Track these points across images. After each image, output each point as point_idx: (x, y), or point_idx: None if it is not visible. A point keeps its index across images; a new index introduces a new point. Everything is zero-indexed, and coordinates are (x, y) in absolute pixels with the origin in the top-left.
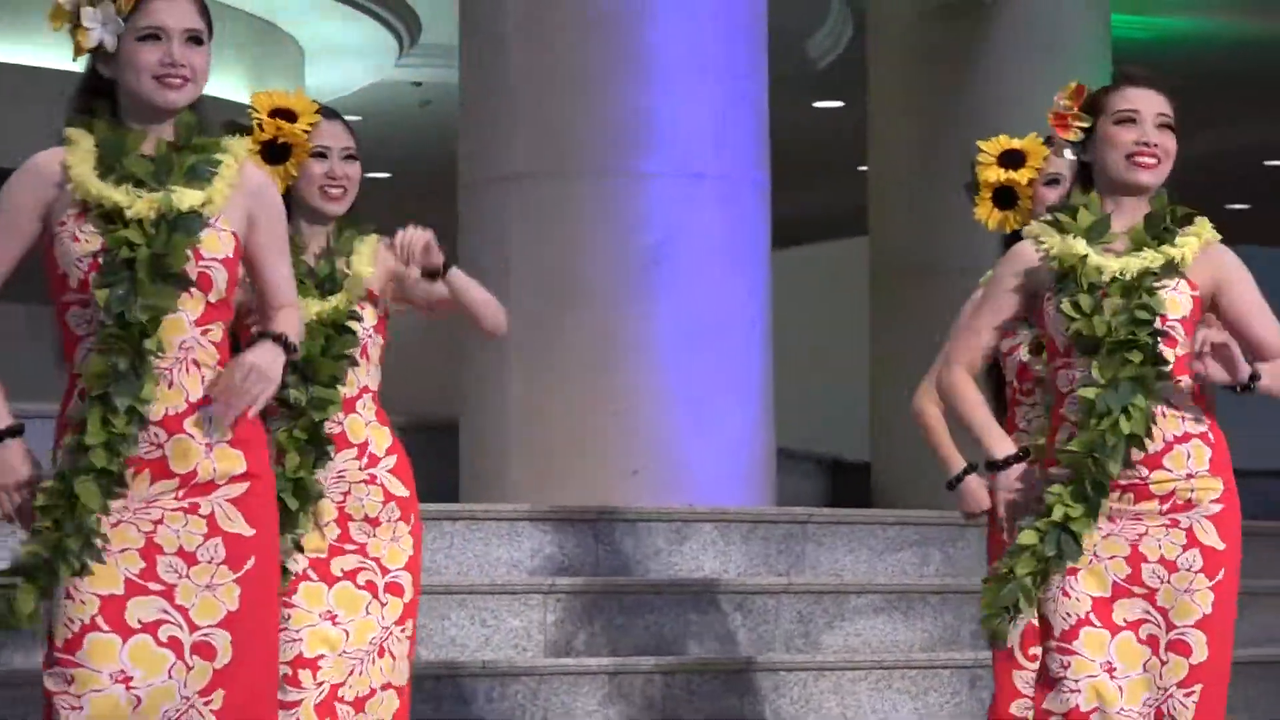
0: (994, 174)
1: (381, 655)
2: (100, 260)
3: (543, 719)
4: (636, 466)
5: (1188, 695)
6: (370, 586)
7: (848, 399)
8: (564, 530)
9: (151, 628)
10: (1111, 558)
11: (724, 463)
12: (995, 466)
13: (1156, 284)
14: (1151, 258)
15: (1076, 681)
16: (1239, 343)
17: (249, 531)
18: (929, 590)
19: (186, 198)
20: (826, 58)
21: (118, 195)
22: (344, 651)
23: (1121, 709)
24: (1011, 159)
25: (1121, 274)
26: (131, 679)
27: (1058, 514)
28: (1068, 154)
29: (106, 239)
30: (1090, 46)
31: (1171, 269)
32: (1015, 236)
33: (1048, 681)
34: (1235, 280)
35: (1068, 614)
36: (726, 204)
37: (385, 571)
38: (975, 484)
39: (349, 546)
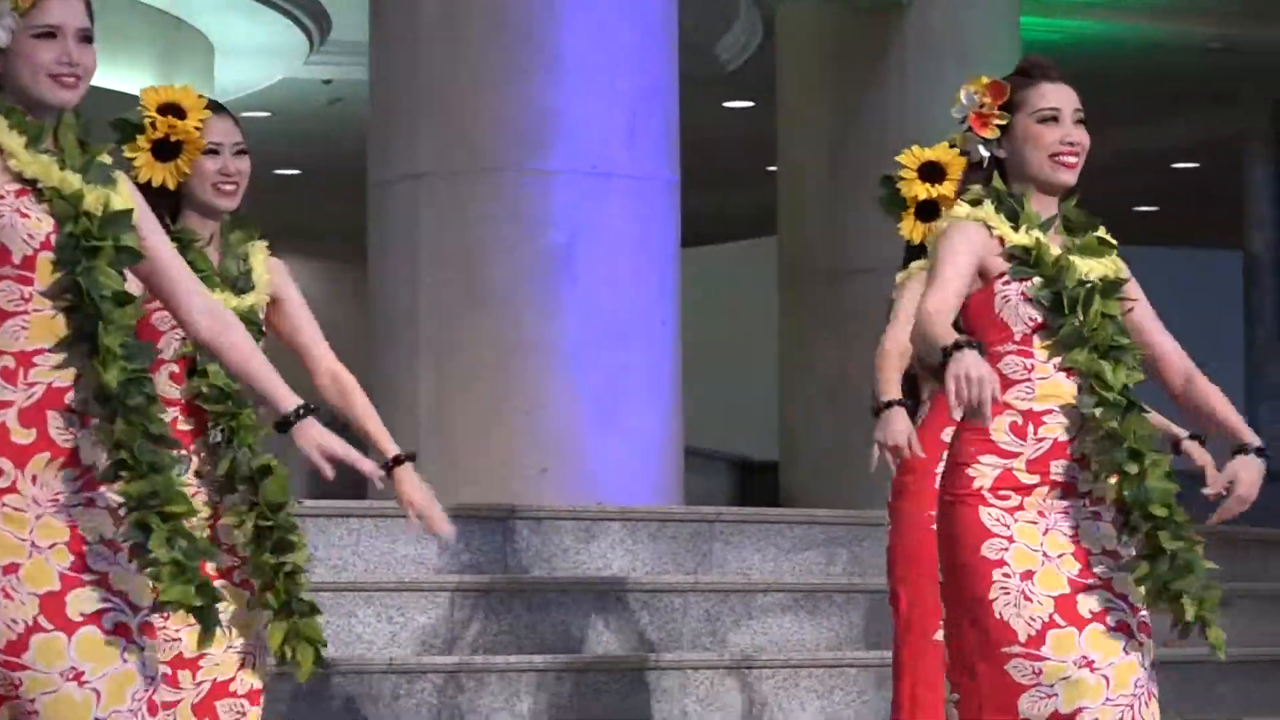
0: (920, 190)
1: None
2: (54, 240)
3: (449, 717)
4: (545, 465)
5: (1157, 673)
6: (246, 584)
7: (756, 399)
8: (472, 528)
9: (94, 619)
10: (1060, 555)
11: (632, 462)
12: (957, 347)
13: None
14: (1110, 265)
15: (1051, 686)
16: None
17: None
18: (835, 589)
19: (119, 196)
20: (737, 58)
21: (73, 180)
22: (230, 646)
23: (1109, 698)
24: (932, 172)
25: (1092, 276)
26: (83, 673)
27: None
28: (981, 150)
29: (63, 222)
30: (1000, 49)
31: (1122, 279)
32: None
33: (1007, 686)
34: (1138, 294)
35: (1032, 618)
36: (636, 203)
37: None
38: (899, 417)
39: (225, 543)
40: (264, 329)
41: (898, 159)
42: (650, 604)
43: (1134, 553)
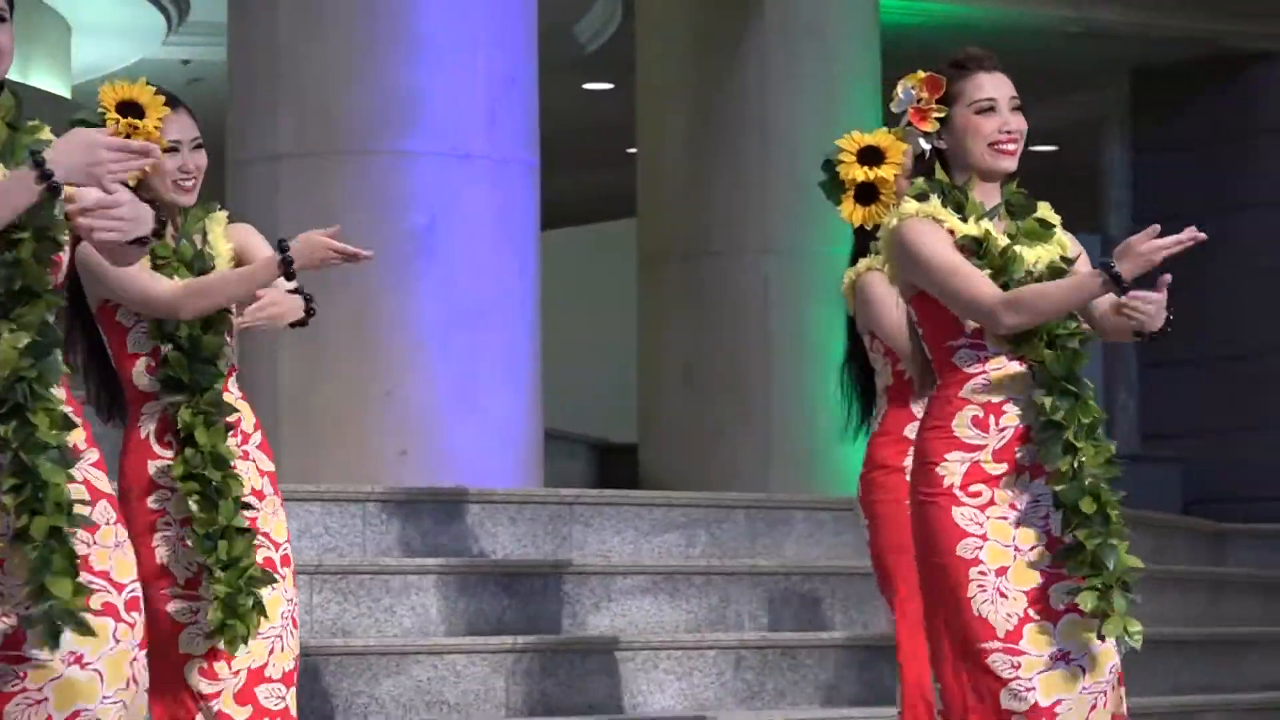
0: (859, 173)
1: (296, 626)
2: None
3: (308, 700)
4: (404, 448)
5: (1115, 664)
6: (269, 563)
7: (616, 381)
8: (332, 511)
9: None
10: (1032, 548)
11: (492, 444)
12: (1110, 272)
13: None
14: (1054, 249)
15: (1030, 679)
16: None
17: (113, 490)
18: (695, 571)
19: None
20: (597, 40)
21: None
22: (260, 634)
23: (1085, 687)
24: (871, 156)
25: (1039, 264)
26: (82, 656)
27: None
28: (922, 143)
29: None
30: (859, 31)
31: (1067, 261)
32: (873, 231)
33: (989, 682)
34: (1082, 257)
35: (1009, 614)
36: (496, 184)
37: (276, 545)
38: None
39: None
40: (232, 308)
41: (837, 143)
42: (510, 586)
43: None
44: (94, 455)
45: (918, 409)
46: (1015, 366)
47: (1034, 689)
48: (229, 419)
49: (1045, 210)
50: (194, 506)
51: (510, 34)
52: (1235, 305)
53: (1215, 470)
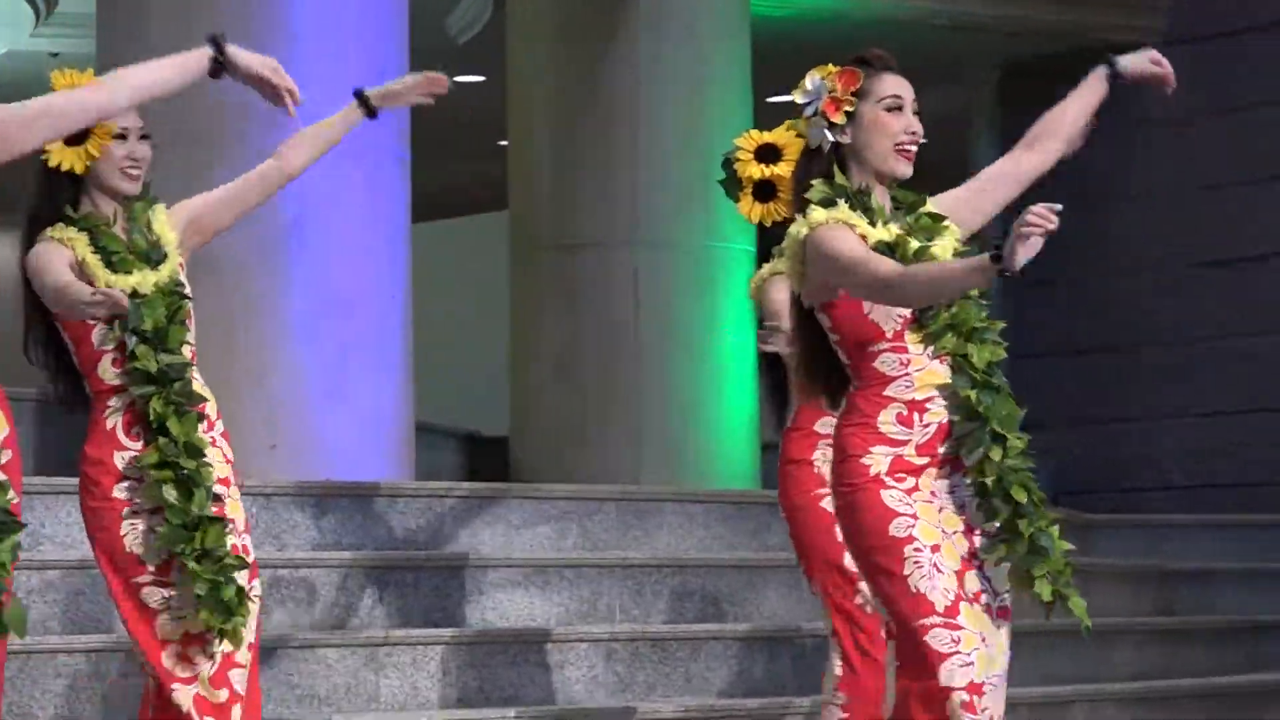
0: (755, 170)
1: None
2: None
3: None
4: (274, 440)
5: (1007, 659)
6: (238, 550)
7: (487, 373)
8: None
9: None
10: (954, 533)
11: (363, 436)
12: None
13: None
14: (951, 242)
15: (969, 654)
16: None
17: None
18: (566, 564)
19: None
20: (467, 33)
21: None
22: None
23: (988, 676)
24: (769, 153)
25: (948, 257)
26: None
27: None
28: (827, 134)
29: None
30: (729, 23)
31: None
32: (779, 227)
33: (929, 657)
34: (960, 196)
35: (946, 589)
36: (367, 177)
37: (239, 534)
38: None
39: None
40: (188, 294)
41: (736, 141)
42: (381, 580)
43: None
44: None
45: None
46: (937, 366)
47: (973, 664)
48: (199, 407)
49: (930, 205)
50: (170, 495)
51: (381, 27)
52: (1105, 297)
53: (1085, 461)
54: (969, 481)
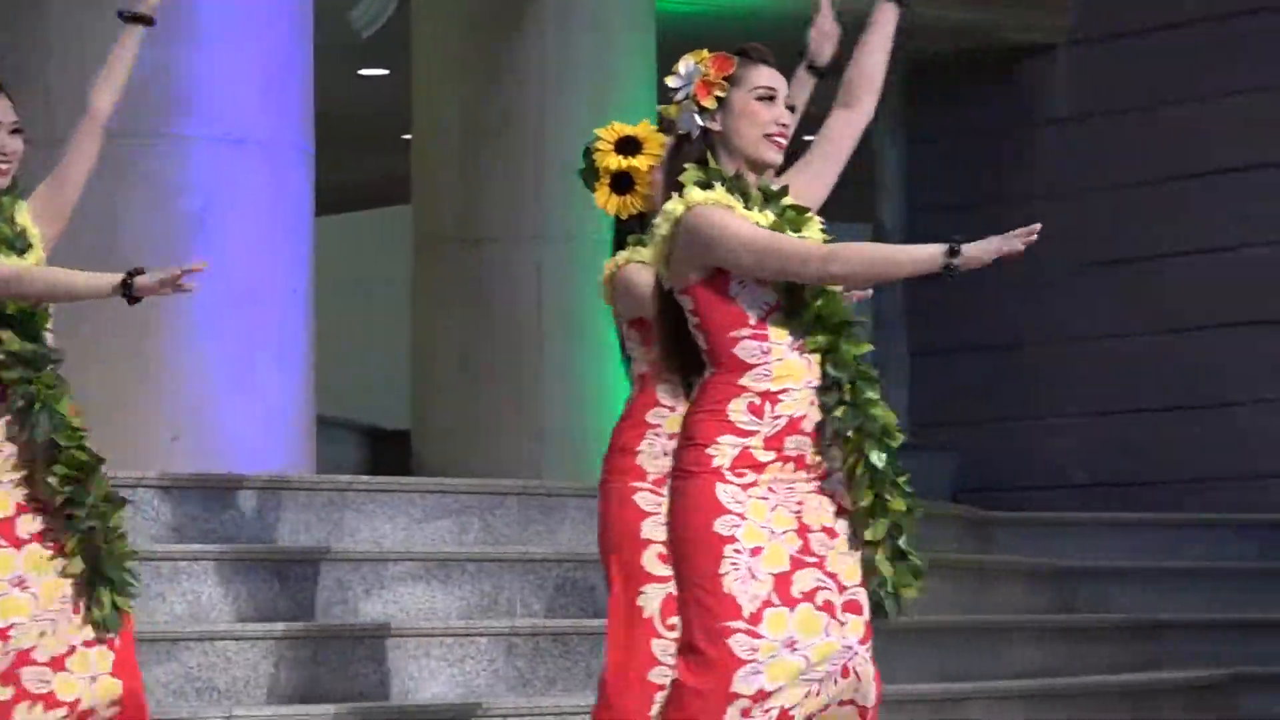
0: (613, 161)
1: (76, 612)
2: None
3: None
4: (176, 433)
5: (867, 651)
6: (56, 545)
7: (389, 367)
8: None
9: None
10: (784, 532)
11: (265, 429)
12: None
13: None
14: (817, 233)
15: (762, 664)
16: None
17: None
18: (467, 558)
19: None
20: (371, 26)
21: None
22: (35, 616)
23: (805, 675)
24: (628, 146)
25: None
26: None
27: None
28: (697, 119)
29: None
30: (635, 17)
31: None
32: (635, 220)
33: (726, 660)
34: (804, 178)
35: (755, 595)
36: (270, 170)
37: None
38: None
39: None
40: None
41: (596, 132)
42: (281, 572)
43: (850, 530)
44: None
45: (663, 395)
46: (796, 358)
47: (762, 673)
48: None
49: (792, 199)
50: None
51: (285, 19)
52: (1006, 295)
53: (985, 459)
54: (830, 477)
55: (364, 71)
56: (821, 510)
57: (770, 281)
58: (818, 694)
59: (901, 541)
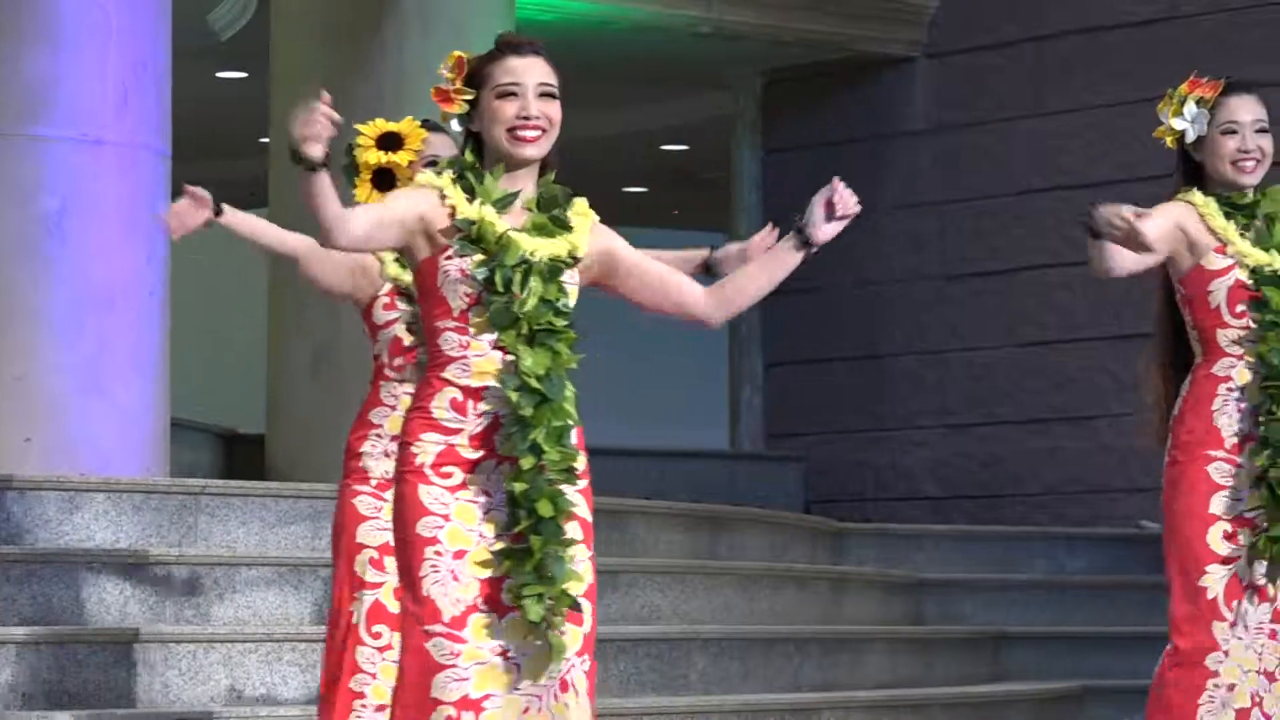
0: (373, 156)
1: None
2: None
3: None
4: (29, 435)
5: (583, 664)
6: None
7: (245, 371)
8: None
9: None
10: (497, 537)
11: (118, 432)
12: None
13: (562, 275)
14: (561, 245)
15: (466, 669)
16: (652, 292)
17: None
18: (321, 563)
19: None
20: (231, 29)
21: None
22: None
23: (519, 687)
24: (390, 141)
25: (536, 256)
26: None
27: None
28: (455, 126)
29: None
30: (494, 24)
31: (573, 259)
32: None
33: (427, 664)
34: (620, 244)
35: (458, 600)
36: (127, 172)
37: None
38: None
39: None
40: None
41: (358, 126)
42: (134, 576)
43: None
44: None
45: (385, 394)
46: (498, 356)
47: (468, 679)
48: None
49: (580, 208)
50: None
51: (144, 21)
52: (861, 306)
53: (838, 470)
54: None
55: (222, 74)
56: None
57: (470, 274)
58: (540, 711)
59: (529, 586)
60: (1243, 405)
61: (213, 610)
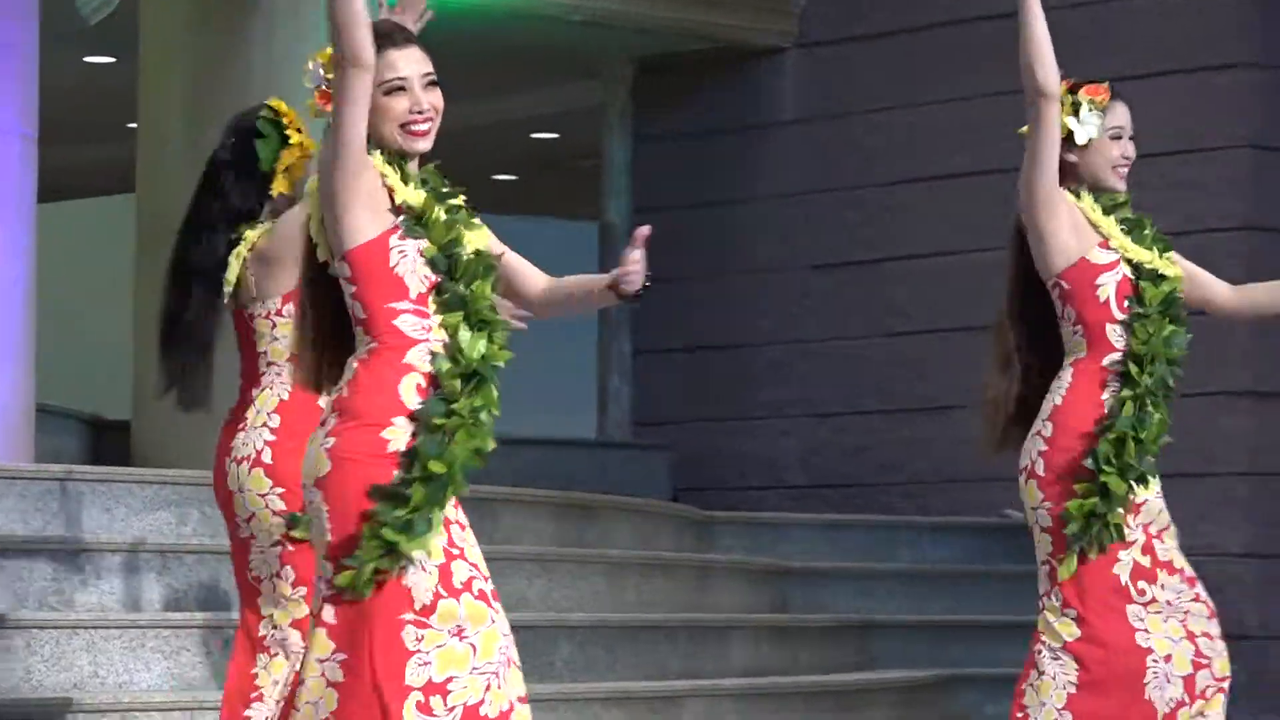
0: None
1: None
2: None
3: None
4: None
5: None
6: None
7: (110, 357)
8: None
9: None
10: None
11: None
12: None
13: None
14: (481, 237)
15: (428, 653)
16: (511, 278)
17: None
18: (186, 550)
19: None
20: (99, 13)
21: None
22: None
23: (475, 667)
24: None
25: (474, 248)
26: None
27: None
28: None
29: None
30: (368, 11)
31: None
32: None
33: (398, 654)
34: (491, 236)
35: (428, 587)
36: None
37: None
38: None
39: None
40: None
41: (270, 103)
42: None
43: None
44: None
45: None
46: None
47: (430, 664)
48: None
49: (461, 200)
50: None
51: (10, 4)
52: (729, 296)
53: (706, 458)
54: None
55: (90, 59)
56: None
57: (431, 259)
58: (500, 686)
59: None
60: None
61: (76, 597)
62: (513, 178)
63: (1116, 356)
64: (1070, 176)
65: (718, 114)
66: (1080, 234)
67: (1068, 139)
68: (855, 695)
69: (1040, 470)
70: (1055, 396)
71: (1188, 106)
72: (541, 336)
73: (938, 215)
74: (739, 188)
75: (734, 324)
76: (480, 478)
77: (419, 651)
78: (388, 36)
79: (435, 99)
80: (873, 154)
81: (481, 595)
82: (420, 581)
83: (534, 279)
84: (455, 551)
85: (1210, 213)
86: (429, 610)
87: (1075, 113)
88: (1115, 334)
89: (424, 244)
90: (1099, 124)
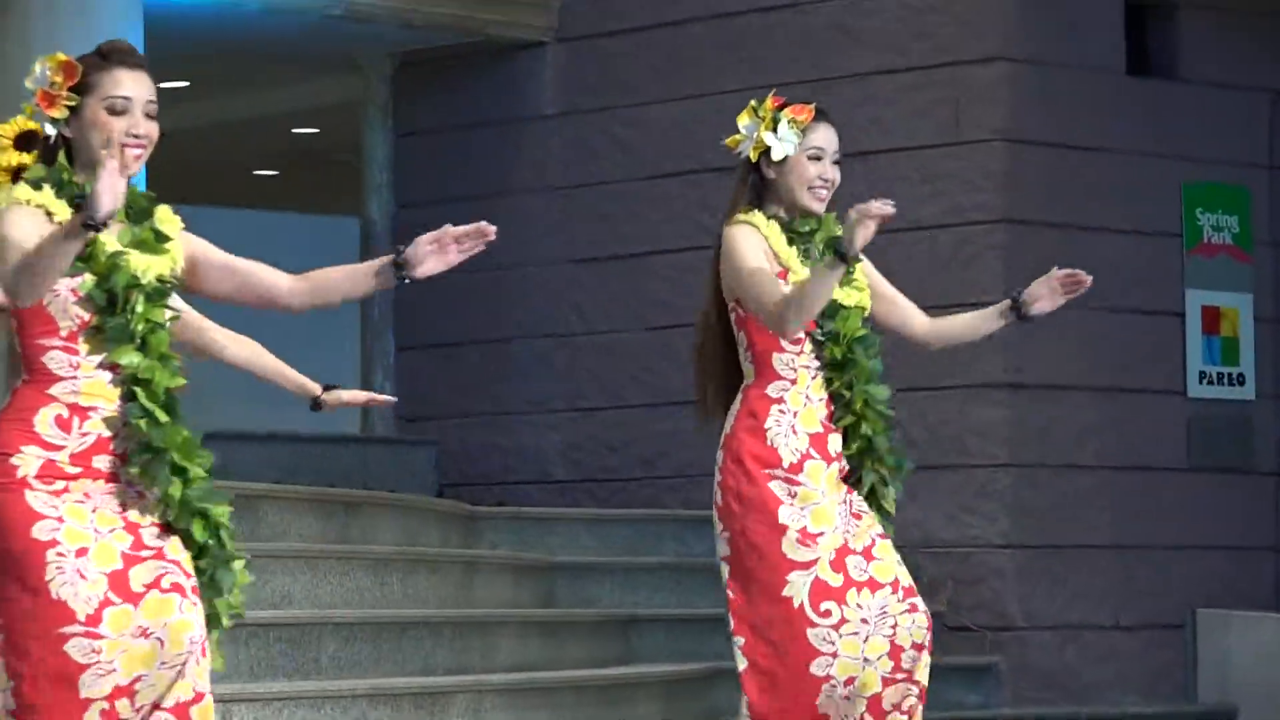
0: (13, 158)
1: None
2: None
3: None
4: None
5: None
6: None
7: None
8: None
9: None
10: (111, 530)
11: None
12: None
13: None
14: (165, 262)
15: (111, 662)
16: (239, 286)
17: None
18: None
19: None
20: None
21: None
22: None
23: (164, 661)
24: (29, 141)
25: (146, 276)
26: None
27: None
28: (48, 128)
29: None
30: (122, 9)
31: (175, 278)
32: None
33: (68, 667)
34: (206, 246)
35: (89, 597)
36: None
37: None
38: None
39: None
40: None
41: None
42: None
43: None
44: None
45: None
46: (107, 378)
47: (115, 670)
48: None
49: (165, 215)
50: None
51: None
52: (490, 290)
53: (470, 453)
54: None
55: None
56: (149, 507)
57: (85, 295)
58: (185, 677)
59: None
60: (797, 427)
61: None
62: (273, 173)
63: (782, 385)
64: (769, 194)
65: (479, 109)
66: (763, 264)
67: (765, 154)
68: (620, 689)
69: (718, 499)
70: (727, 424)
71: (947, 99)
72: (304, 333)
73: (698, 208)
74: (501, 182)
75: (497, 319)
76: (243, 474)
77: (98, 663)
78: (122, 54)
79: (152, 130)
80: (633, 148)
81: (175, 588)
82: (81, 592)
83: (276, 281)
84: (146, 554)
85: (970, 205)
86: (95, 620)
87: (774, 128)
88: (781, 363)
89: (80, 281)
90: (796, 142)
